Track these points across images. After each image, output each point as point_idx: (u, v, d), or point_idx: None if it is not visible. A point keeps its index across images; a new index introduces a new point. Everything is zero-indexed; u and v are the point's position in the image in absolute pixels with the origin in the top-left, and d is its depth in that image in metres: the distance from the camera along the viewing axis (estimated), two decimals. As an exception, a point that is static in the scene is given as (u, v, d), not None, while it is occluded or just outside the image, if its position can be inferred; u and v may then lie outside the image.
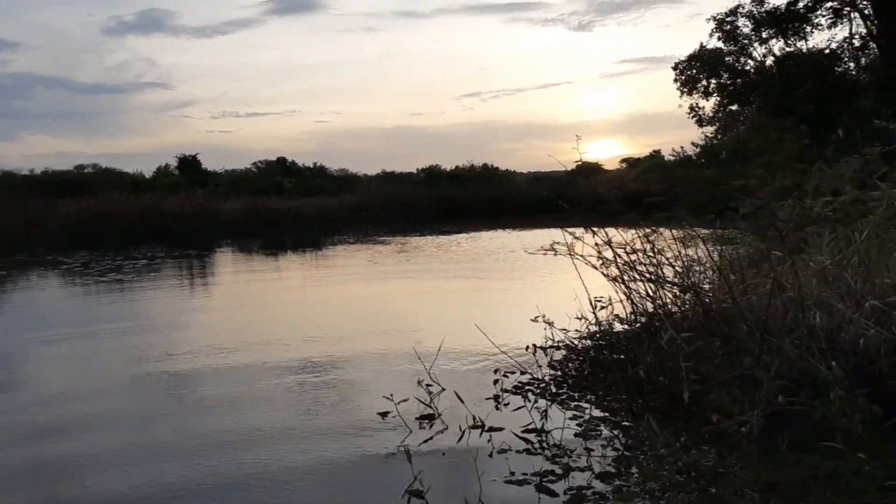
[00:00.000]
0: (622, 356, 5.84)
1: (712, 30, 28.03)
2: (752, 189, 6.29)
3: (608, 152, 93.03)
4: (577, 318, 7.19)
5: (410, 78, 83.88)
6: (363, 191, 39.19)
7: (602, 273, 6.41)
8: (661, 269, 6.26)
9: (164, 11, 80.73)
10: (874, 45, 26.00)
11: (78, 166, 48.78)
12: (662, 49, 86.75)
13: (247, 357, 7.21)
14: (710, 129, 35.56)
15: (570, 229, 6.89)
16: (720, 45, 28.83)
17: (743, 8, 27.25)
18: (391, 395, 5.03)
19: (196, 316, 10.53)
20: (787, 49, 27.31)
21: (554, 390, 5.44)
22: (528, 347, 6.29)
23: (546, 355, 6.30)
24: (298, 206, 30.84)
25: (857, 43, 26.21)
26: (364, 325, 8.88)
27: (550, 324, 6.72)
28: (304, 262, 17.82)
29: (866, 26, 26.07)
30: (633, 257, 6.29)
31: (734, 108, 31.37)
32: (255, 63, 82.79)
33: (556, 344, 6.56)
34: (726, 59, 29.21)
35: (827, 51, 26.32)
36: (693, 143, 37.90)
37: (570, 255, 6.46)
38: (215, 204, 29.42)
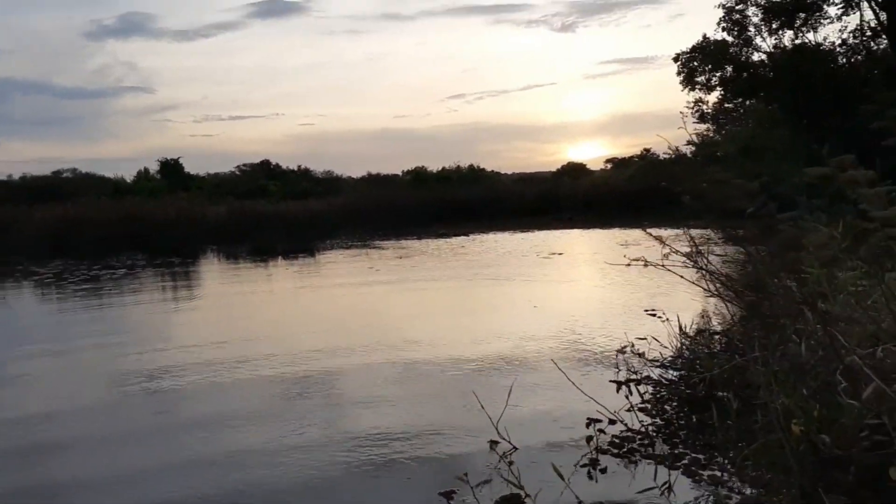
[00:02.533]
0: (744, 398, 4.54)
1: (720, 18, 26.90)
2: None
3: (592, 153, 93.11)
4: (645, 337, 5.96)
5: (394, 80, 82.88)
6: (351, 193, 37.87)
7: (704, 288, 5.12)
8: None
9: (145, 15, 79.37)
10: (885, 37, 25.09)
11: (56, 171, 47.06)
12: (644, 50, 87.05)
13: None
14: (703, 127, 34.77)
15: (651, 231, 5.53)
16: (724, 36, 27.75)
17: (752, -6, 26.15)
18: (465, 474, 3.66)
19: (182, 333, 9.11)
20: (797, 41, 26.25)
21: (667, 450, 4.10)
22: (619, 386, 5.05)
23: (632, 392, 5.00)
24: (286, 210, 29.39)
25: (868, 33, 25.19)
26: (399, 353, 7.02)
27: (641, 355, 5.43)
28: (300, 270, 16.35)
29: (875, 16, 25.13)
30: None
31: (738, 102, 30.45)
32: (238, 66, 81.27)
33: (640, 376, 5.27)
34: (731, 50, 28.14)
35: (839, 42, 25.30)
36: (689, 142, 37.05)
37: (661, 265, 5.13)
38: (199, 208, 27.87)
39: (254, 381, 6.23)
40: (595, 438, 4.18)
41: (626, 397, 4.86)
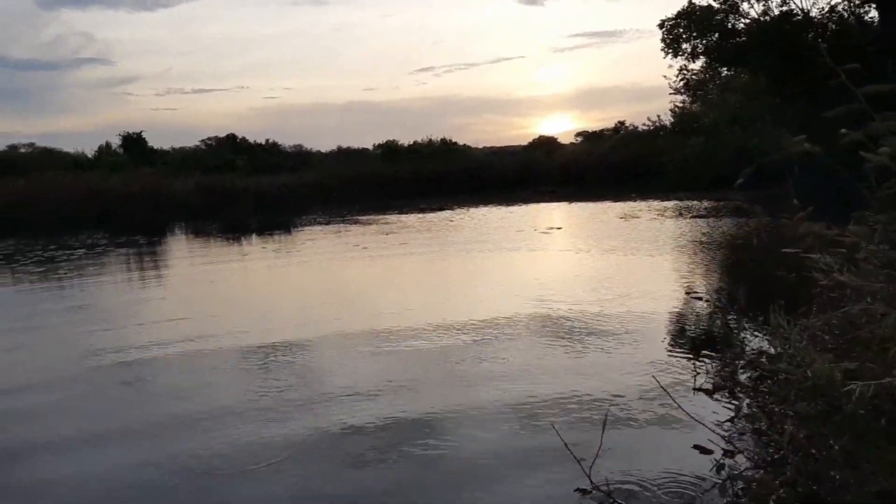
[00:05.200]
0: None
1: (706, -19, 25.97)
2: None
3: (563, 127, 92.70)
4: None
5: (362, 52, 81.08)
6: (323, 168, 36.62)
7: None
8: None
9: (101, -18, 75.57)
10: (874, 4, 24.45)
11: (11, 146, 44.82)
12: (613, 23, 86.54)
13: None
14: (681, 99, 34.10)
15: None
16: (710, 1, 26.88)
17: (740, -42, 25.26)
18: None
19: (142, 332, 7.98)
20: (784, 7, 25.47)
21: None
22: (695, 391, 4.12)
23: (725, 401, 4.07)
24: (258, 184, 28.03)
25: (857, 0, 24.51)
26: (429, 364, 5.55)
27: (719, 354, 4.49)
28: (280, 249, 15.16)
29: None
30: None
31: (723, 71, 29.74)
32: (201, 37, 78.45)
33: (720, 381, 4.36)
34: (716, 17, 27.30)
35: (827, 8, 24.57)
36: (672, 112, 36.42)
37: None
38: (165, 183, 26.41)
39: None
40: (729, 486, 3.16)
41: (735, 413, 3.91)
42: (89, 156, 40.42)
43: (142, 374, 5.64)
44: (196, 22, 77.78)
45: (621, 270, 9.53)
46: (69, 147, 43.45)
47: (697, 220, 15.27)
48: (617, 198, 22.78)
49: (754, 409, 3.83)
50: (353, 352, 5.99)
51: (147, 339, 6.77)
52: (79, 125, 66.74)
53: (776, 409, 3.59)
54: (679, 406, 3.36)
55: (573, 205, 22.03)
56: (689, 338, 5.83)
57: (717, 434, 3.50)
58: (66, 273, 11.98)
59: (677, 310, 6.97)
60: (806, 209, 3.67)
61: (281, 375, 5.39)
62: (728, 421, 3.86)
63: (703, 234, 12.85)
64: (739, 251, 10.75)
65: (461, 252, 12.21)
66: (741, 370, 4.63)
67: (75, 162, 36.96)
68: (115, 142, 42.24)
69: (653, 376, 4.30)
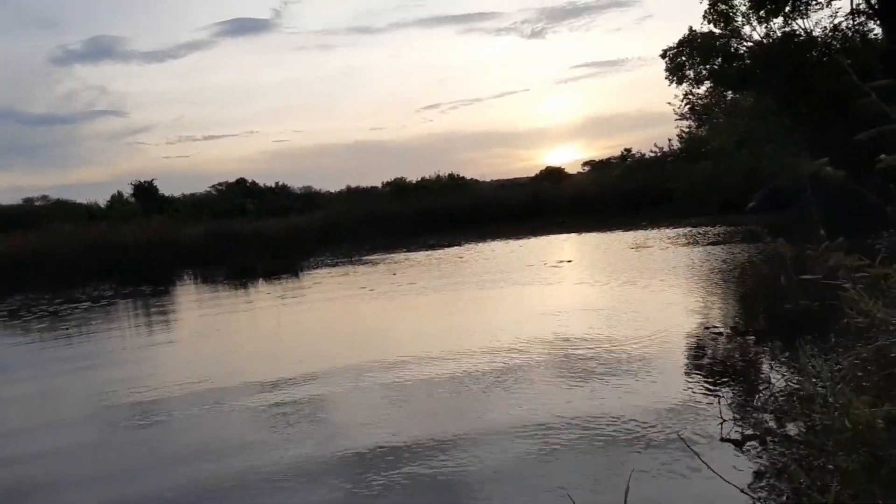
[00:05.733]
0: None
1: (705, 11, 25.99)
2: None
3: (569, 157, 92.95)
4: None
5: (368, 93, 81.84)
6: (332, 208, 36.61)
7: None
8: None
9: (113, 38, 77.25)
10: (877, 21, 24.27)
11: (27, 199, 45.36)
12: (615, 52, 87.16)
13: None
14: (686, 124, 33.93)
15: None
16: (711, 27, 26.82)
17: (740, -19, 25.26)
18: None
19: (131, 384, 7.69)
20: (786, 28, 25.34)
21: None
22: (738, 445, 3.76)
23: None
24: (266, 228, 27.94)
25: (861, 17, 24.34)
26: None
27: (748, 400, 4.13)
28: (286, 294, 14.91)
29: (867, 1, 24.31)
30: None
31: (728, 94, 29.60)
32: (210, 86, 79.55)
33: (749, 431, 3.98)
34: (717, 42, 27.21)
35: (830, 27, 24.41)
36: (679, 138, 36.23)
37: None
38: (173, 230, 26.35)
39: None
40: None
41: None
42: (102, 206, 40.77)
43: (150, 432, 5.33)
44: (205, 71, 79.04)
45: (635, 304, 9.16)
46: (83, 198, 43.89)
47: (711, 247, 14.88)
48: (627, 227, 22.45)
49: (790, 465, 3.45)
50: (363, 405, 5.66)
51: (137, 397, 6.47)
52: (94, 176, 67.60)
53: (814, 463, 3.22)
54: (711, 469, 2.99)
55: (583, 235, 21.69)
56: (712, 377, 5.46)
57: (752, 497, 3.13)
58: (65, 328, 11.76)
59: (698, 345, 6.60)
60: (833, 238, 3.36)
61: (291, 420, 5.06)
62: (761, 477, 3.48)
63: (720, 261, 12.46)
64: (758, 280, 10.36)
65: (468, 292, 11.89)
66: (770, 414, 4.25)
67: (88, 212, 37.22)
68: (128, 191, 42.62)
69: (678, 434, 3.92)
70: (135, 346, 9.82)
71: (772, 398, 4.58)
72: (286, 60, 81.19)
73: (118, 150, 70.40)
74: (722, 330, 7.11)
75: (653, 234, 19.57)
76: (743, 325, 7.44)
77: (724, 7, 25.60)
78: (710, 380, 5.39)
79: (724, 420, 4.24)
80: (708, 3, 25.91)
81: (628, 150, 45.61)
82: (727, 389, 5.02)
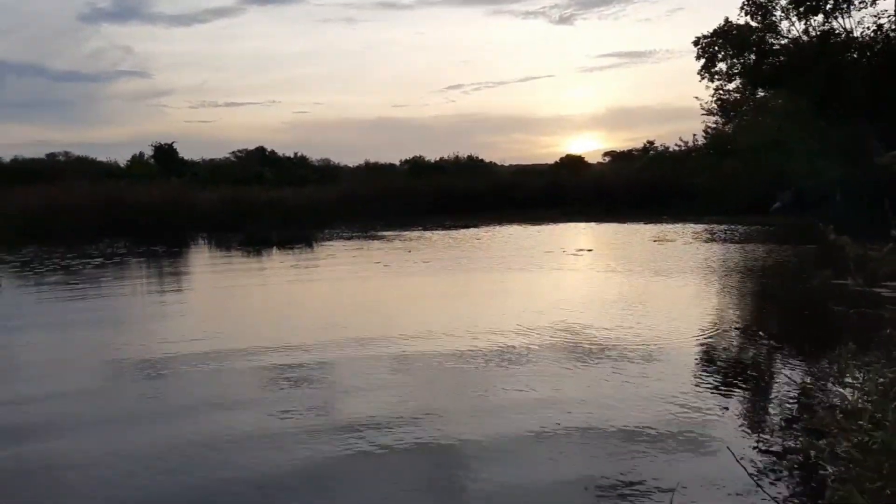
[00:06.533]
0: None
1: (744, 1, 25.30)
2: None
3: (590, 146, 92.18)
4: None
5: (392, 70, 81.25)
6: (350, 182, 36.36)
7: None
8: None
9: (141, -1, 76.94)
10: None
11: (49, 154, 45.54)
12: (642, 44, 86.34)
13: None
14: (711, 120, 33.21)
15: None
16: (748, 20, 26.12)
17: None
18: None
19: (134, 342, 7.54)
20: (825, 27, 24.63)
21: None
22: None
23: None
24: (283, 198, 27.73)
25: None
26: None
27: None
28: (299, 264, 14.73)
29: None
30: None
31: (759, 93, 28.90)
32: (234, 52, 79.30)
33: (790, 445, 3.74)
34: (753, 37, 26.53)
35: (873, 28, 23.69)
36: (704, 133, 35.51)
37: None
38: (191, 194, 26.23)
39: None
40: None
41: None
42: (122, 165, 40.82)
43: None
44: (231, 38, 78.74)
45: (667, 300, 8.90)
46: (104, 156, 44.01)
47: (738, 245, 14.50)
48: (648, 219, 22.07)
49: (840, 485, 3.21)
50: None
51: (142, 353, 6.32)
52: (115, 135, 67.90)
53: (868, 486, 2.97)
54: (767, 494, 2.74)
55: (602, 225, 21.34)
56: (746, 383, 5.17)
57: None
58: (76, 283, 11.66)
59: (734, 349, 6.31)
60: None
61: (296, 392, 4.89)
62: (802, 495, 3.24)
63: (751, 260, 12.11)
64: (792, 281, 10.04)
65: (489, 274, 11.65)
66: (809, 428, 4.00)
67: (107, 171, 37.25)
68: (148, 152, 42.61)
69: (728, 448, 3.65)
70: (142, 305, 9.69)
71: (809, 410, 4.32)
72: (311, 31, 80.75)
73: (140, 111, 70.63)
74: (758, 333, 6.81)
75: (675, 228, 19.21)
76: (777, 330, 7.13)
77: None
78: (745, 386, 5.13)
79: (763, 434, 3.99)
80: (747, -8, 25.28)
81: (651, 143, 44.95)
82: (761, 396, 4.77)
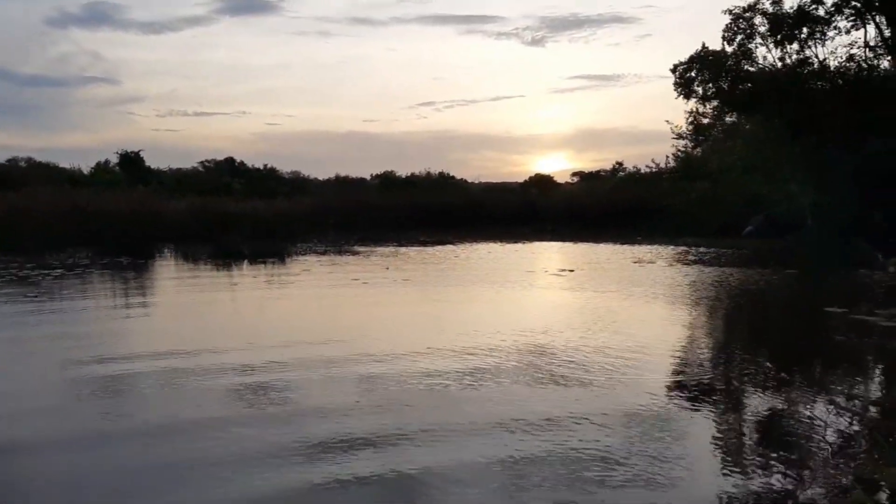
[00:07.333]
0: None
1: (726, 25, 25.63)
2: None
3: (558, 166, 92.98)
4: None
5: (364, 84, 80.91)
6: (321, 195, 35.95)
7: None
8: None
9: (112, 5, 75.65)
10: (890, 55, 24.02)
11: (11, 159, 44.19)
12: (612, 67, 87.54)
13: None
14: (681, 143, 33.49)
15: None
16: (725, 46, 26.44)
17: (763, 4, 24.89)
18: None
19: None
20: (800, 55, 25.01)
21: None
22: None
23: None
24: (252, 209, 27.11)
25: (879, 50, 24.05)
26: None
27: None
28: (273, 280, 14.20)
29: (880, 32, 24.04)
30: None
31: (732, 116, 29.22)
32: (206, 62, 78.04)
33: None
34: (729, 62, 26.84)
35: (846, 57, 24.11)
36: (675, 156, 35.72)
37: None
38: (157, 203, 25.49)
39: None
40: None
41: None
42: (85, 172, 39.64)
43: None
44: (203, 48, 77.57)
45: (665, 327, 8.61)
46: (69, 163, 42.77)
47: (717, 269, 14.32)
48: (621, 240, 21.97)
49: None
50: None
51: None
52: (81, 142, 66.23)
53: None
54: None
55: (577, 245, 21.15)
56: (783, 430, 4.85)
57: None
58: (34, 295, 10.99)
59: (747, 386, 6.00)
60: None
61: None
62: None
63: (737, 285, 11.86)
64: (786, 308, 9.85)
65: (482, 292, 11.26)
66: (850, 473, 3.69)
67: (70, 177, 36.10)
68: (114, 160, 41.58)
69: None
70: (103, 320, 9.12)
71: (844, 455, 4.00)
72: (284, 44, 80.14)
73: (107, 117, 69.14)
74: (770, 368, 6.30)
75: (651, 249, 19.07)
76: (785, 362, 6.73)
77: (745, 25, 25.21)
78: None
79: (803, 483, 3.65)
80: (730, 17, 25.52)
81: (620, 164, 45.39)
82: (803, 450, 4.40)
